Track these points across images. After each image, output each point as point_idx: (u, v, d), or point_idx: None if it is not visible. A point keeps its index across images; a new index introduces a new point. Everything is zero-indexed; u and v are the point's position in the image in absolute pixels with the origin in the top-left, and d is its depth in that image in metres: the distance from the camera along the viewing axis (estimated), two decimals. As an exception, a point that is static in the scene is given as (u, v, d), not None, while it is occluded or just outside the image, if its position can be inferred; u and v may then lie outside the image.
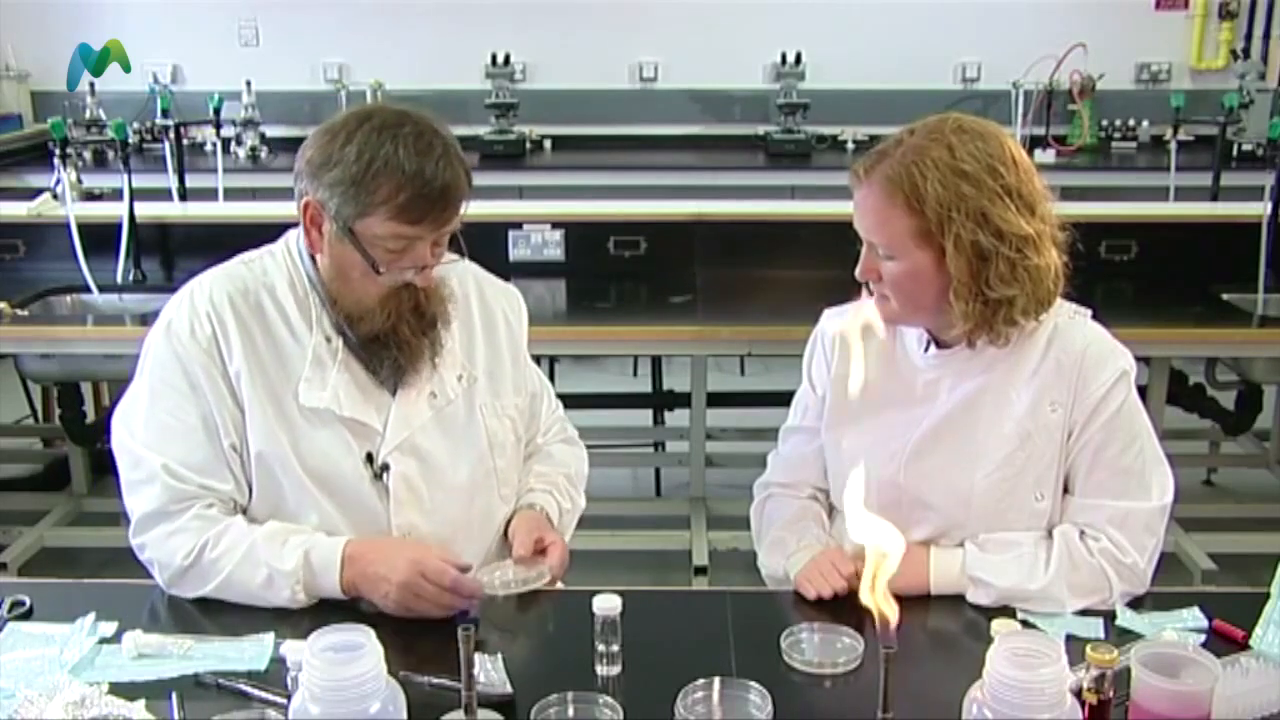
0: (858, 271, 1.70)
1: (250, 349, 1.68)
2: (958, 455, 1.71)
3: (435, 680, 1.40)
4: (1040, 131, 5.43)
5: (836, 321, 1.86)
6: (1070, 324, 1.72)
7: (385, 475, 1.72)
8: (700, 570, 3.31)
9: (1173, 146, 4.39)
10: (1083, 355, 1.68)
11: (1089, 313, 1.75)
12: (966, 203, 1.58)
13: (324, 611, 1.59)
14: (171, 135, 4.14)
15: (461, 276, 1.82)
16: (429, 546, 1.64)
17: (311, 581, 1.60)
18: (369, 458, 1.72)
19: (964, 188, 1.58)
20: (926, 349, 1.75)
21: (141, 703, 1.34)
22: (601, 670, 1.46)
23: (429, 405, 1.76)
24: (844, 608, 1.61)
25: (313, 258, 1.71)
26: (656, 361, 4.30)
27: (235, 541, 1.62)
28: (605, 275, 3.57)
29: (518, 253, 3.54)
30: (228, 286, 1.71)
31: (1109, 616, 1.62)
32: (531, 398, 1.94)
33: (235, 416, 1.67)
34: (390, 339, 1.70)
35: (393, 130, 1.59)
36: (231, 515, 1.67)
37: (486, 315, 1.86)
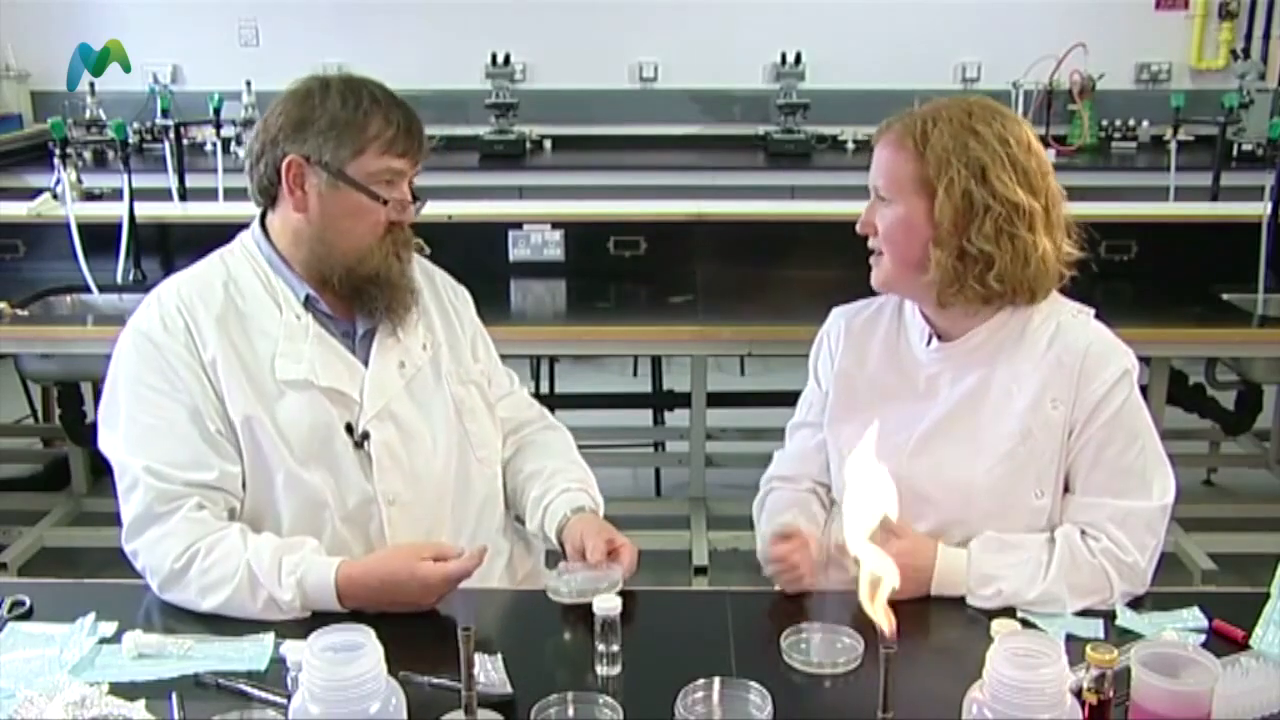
0: (858, 225, 1.74)
1: (224, 335, 1.72)
2: (959, 450, 1.71)
3: (435, 680, 1.40)
4: (1040, 131, 5.40)
5: (843, 319, 1.88)
6: (1073, 322, 1.72)
7: (366, 443, 1.75)
8: (700, 570, 3.31)
9: (1173, 146, 4.37)
10: (1085, 354, 1.68)
11: (1092, 312, 1.76)
12: (969, 153, 1.64)
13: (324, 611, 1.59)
14: (171, 135, 4.13)
15: None
16: (415, 557, 1.61)
17: (309, 604, 1.59)
18: (348, 428, 1.75)
19: (971, 142, 1.65)
20: (929, 343, 1.75)
21: (141, 703, 1.34)
22: (601, 670, 1.46)
23: (399, 374, 1.80)
24: (844, 608, 1.61)
25: (270, 240, 1.78)
26: (656, 361, 4.30)
27: (229, 554, 1.61)
28: (605, 275, 3.56)
29: (518, 253, 3.53)
30: (194, 284, 1.77)
31: (1109, 616, 1.62)
32: (494, 368, 1.98)
33: (216, 405, 1.70)
34: (384, 280, 1.76)
35: (359, 84, 1.73)
36: (224, 520, 1.67)
37: (432, 289, 1.92)
